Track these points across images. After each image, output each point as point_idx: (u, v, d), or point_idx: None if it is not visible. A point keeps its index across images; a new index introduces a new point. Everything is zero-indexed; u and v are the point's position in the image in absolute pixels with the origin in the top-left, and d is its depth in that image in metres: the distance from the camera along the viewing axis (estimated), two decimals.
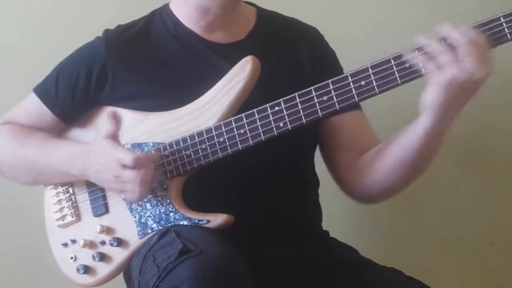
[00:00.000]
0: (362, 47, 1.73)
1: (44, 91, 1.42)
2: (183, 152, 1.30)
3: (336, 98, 1.23)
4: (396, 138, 1.29)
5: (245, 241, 1.25)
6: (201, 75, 1.34)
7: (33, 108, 1.43)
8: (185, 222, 1.29)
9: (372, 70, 1.20)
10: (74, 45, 1.43)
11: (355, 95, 1.22)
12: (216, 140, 1.29)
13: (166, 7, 1.43)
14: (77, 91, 1.38)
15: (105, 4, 1.76)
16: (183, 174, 1.31)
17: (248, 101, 1.29)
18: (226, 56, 1.35)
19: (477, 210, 1.84)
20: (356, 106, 1.40)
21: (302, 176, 1.41)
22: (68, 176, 1.37)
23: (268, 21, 1.43)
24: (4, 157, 1.42)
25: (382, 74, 1.20)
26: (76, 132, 1.42)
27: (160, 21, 1.41)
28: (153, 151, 1.31)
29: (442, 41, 1.15)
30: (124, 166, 1.25)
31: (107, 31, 1.41)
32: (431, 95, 1.17)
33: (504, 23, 1.15)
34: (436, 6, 1.77)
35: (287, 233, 1.36)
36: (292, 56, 1.40)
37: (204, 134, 1.29)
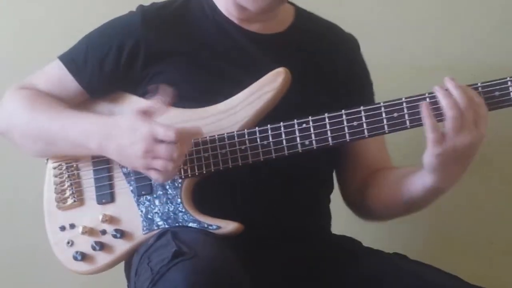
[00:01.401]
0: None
1: (71, 60, 1.37)
2: (202, 154, 1.29)
3: (366, 126, 1.24)
4: (400, 182, 1.32)
5: (252, 245, 1.26)
6: (237, 62, 1.34)
7: (56, 75, 1.38)
8: (194, 225, 1.28)
9: (406, 104, 1.22)
10: (70, 43, 1.40)
11: (385, 126, 1.23)
12: (237, 147, 1.28)
13: None
14: (107, 63, 1.34)
15: (105, 4, 1.73)
16: (198, 176, 1.29)
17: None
18: (264, 46, 1.36)
19: (477, 210, 1.86)
20: None
21: (317, 183, 1.41)
22: (82, 149, 1.31)
23: (307, 20, 1.44)
24: (17, 121, 1.36)
25: (416, 110, 1.21)
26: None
27: (198, 5, 1.40)
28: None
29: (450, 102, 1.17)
30: (159, 140, 1.20)
31: (142, 7, 1.38)
32: (427, 159, 1.20)
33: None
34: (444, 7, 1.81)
35: (296, 238, 1.36)
36: (328, 57, 1.41)
37: (226, 139, 1.28)
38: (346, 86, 1.39)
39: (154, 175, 1.24)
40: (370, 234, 1.74)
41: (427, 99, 1.21)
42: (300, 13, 1.45)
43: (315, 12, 1.48)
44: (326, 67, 1.40)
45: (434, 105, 1.19)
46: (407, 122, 1.22)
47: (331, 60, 1.41)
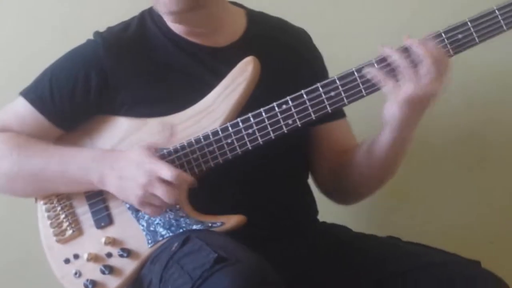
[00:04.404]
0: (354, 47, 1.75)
1: (38, 98, 1.34)
2: (190, 156, 1.29)
3: (344, 94, 1.26)
4: (364, 148, 1.35)
5: (246, 239, 1.24)
6: (199, 78, 1.33)
7: (26, 114, 1.34)
8: (198, 226, 1.28)
9: (377, 65, 1.25)
10: (70, 44, 1.38)
11: (362, 90, 1.26)
12: (224, 141, 1.29)
13: (155, 10, 1.38)
14: (76, 97, 1.32)
15: (101, 3, 1.74)
16: None
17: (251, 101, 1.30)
18: (222, 58, 1.34)
19: (477, 210, 1.87)
20: (342, 114, 1.47)
21: (298, 172, 1.44)
22: (80, 185, 1.31)
23: (259, 23, 1.43)
24: (4, 168, 1.33)
25: (388, 69, 1.24)
26: (72, 141, 1.36)
27: (152, 23, 1.38)
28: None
29: (404, 54, 1.22)
30: (160, 180, 1.22)
31: (100, 33, 1.36)
32: (390, 111, 1.24)
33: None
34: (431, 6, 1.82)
35: (287, 229, 1.38)
36: (282, 57, 1.41)
37: (211, 137, 1.29)
38: (300, 79, 1.36)
39: (147, 210, 1.27)
40: (368, 230, 1.76)
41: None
42: (252, 17, 1.44)
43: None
44: (283, 67, 1.40)
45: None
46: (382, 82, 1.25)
47: (287, 60, 1.41)
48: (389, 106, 1.24)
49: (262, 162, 1.34)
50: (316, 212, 1.49)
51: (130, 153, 1.27)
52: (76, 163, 1.30)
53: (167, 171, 1.22)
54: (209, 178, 1.30)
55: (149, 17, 1.40)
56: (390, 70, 1.23)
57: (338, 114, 1.46)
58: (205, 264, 1.12)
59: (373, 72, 1.23)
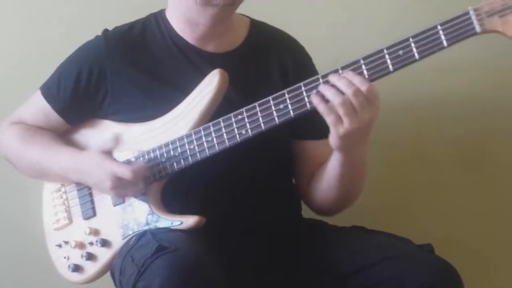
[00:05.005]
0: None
1: (47, 88, 1.52)
2: (159, 159, 1.42)
3: (291, 107, 1.31)
4: (324, 167, 1.41)
5: (225, 235, 1.38)
6: (194, 84, 1.41)
7: (39, 107, 1.53)
8: (161, 224, 1.40)
9: (322, 79, 1.29)
10: (75, 46, 1.52)
11: (307, 104, 1.30)
12: (187, 147, 1.40)
13: (162, 14, 1.51)
14: (78, 90, 1.47)
15: (105, 4, 1.84)
16: (160, 180, 1.42)
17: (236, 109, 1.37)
18: (218, 65, 1.41)
19: (476, 210, 1.85)
20: None
21: (276, 171, 1.50)
22: (67, 180, 1.51)
23: (260, 33, 1.51)
24: (12, 156, 1.56)
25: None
26: (72, 139, 1.54)
27: (157, 27, 1.49)
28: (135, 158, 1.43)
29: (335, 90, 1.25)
30: (121, 178, 1.37)
31: (106, 32, 1.50)
32: (333, 141, 1.29)
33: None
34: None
35: (266, 223, 1.46)
36: (278, 68, 1.49)
37: (177, 142, 1.40)
38: None
39: (128, 194, 1.43)
40: None
41: (340, 70, 1.27)
42: (254, 26, 1.52)
43: None
44: (277, 78, 1.48)
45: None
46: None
47: (281, 68, 1.49)
48: (331, 137, 1.29)
49: (245, 156, 1.39)
50: (297, 209, 1.55)
51: (90, 159, 1.43)
52: (58, 164, 1.48)
53: (122, 172, 1.37)
54: (188, 180, 1.42)
55: (154, 20, 1.51)
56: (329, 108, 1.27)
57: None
58: (148, 253, 1.26)
59: (316, 103, 1.28)
